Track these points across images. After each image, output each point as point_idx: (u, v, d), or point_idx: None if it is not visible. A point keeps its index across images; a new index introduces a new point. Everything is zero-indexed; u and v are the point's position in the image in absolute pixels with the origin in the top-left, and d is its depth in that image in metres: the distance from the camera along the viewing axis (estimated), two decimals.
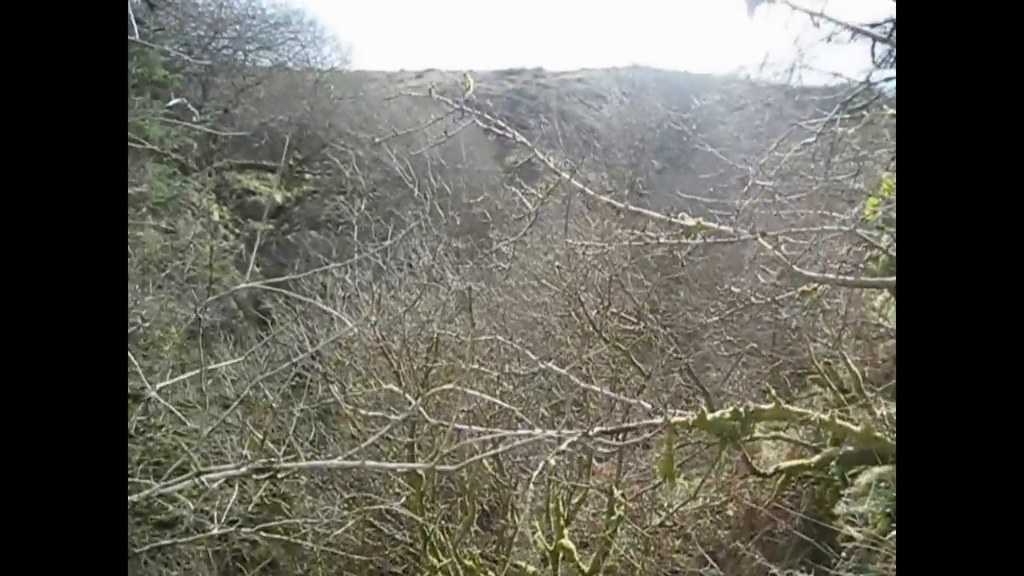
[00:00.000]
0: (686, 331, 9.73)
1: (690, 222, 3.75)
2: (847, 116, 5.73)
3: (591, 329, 7.38)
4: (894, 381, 10.41)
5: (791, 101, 7.95)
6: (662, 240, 3.82)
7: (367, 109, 22.68)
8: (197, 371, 4.48)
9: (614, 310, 7.95)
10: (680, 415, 3.96)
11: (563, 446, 3.06)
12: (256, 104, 22.12)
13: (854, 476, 8.12)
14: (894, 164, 7.08)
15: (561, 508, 7.14)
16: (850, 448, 8.57)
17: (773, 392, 10.47)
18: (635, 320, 8.00)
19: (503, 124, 3.78)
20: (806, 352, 9.35)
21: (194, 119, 9.41)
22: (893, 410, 9.76)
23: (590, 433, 3.15)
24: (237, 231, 21.01)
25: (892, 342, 9.57)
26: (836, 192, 6.12)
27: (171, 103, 9.15)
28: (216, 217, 20.39)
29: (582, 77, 29.95)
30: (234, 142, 20.80)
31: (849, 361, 9.79)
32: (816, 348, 9.97)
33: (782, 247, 3.98)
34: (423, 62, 34.43)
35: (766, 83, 8.05)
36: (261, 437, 4.03)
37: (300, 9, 24.24)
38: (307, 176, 22.27)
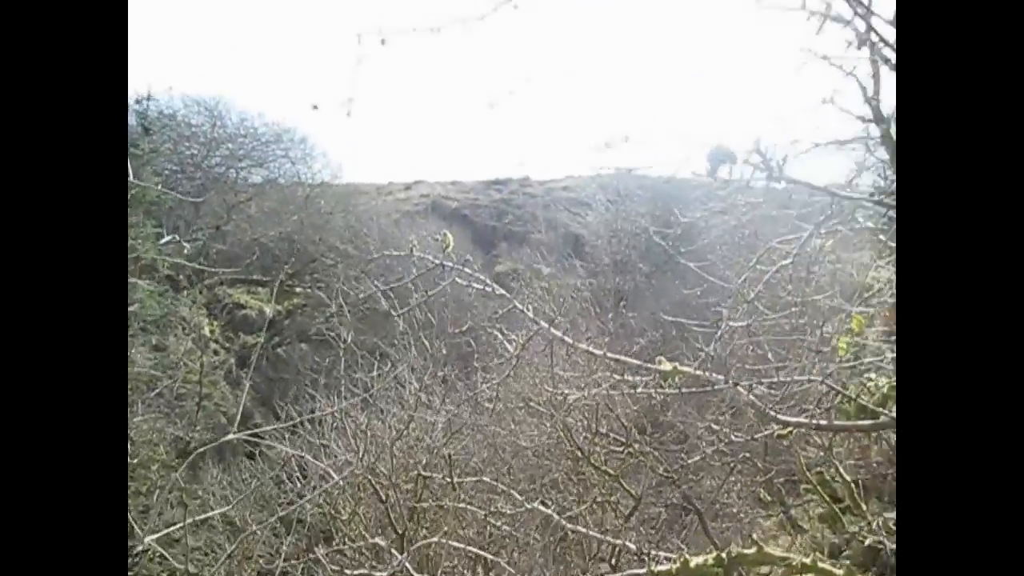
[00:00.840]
0: (677, 440, 9.71)
1: (666, 367, 3.84)
2: (823, 232, 5.90)
3: (580, 455, 7.39)
4: (890, 484, 10.38)
5: (776, 203, 8.18)
6: (639, 390, 3.91)
7: (356, 223, 23.05)
8: (185, 523, 4.49)
9: (603, 431, 7.97)
10: (666, 557, 3.97)
11: None
12: (247, 220, 22.45)
13: None
14: (870, 274, 7.28)
15: None
16: (847, 560, 8.48)
17: (768, 499, 10.45)
18: (623, 441, 8.01)
19: (483, 278, 3.91)
20: (797, 462, 9.34)
21: (185, 252, 9.57)
22: (888, 515, 9.70)
23: None
24: (227, 345, 21.02)
25: (885, 445, 9.57)
26: (812, 317, 6.26)
27: (163, 241, 9.33)
28: (207, 332, 20.40)
29: (568, 185, 30.58)
30: (226, 257, 20.99)
31: (841, 469, 9.76)
32: (808, 457, 9.95)
33: (758, 387, 4.08)
34: (412, 174, 35.41)
35: (746, 199, 8.30)
36: None
37: (291, 127, 24.79)
38: (297, 290, 22.42)
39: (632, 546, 4.02)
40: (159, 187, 13.40)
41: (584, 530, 5.43)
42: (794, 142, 4.21)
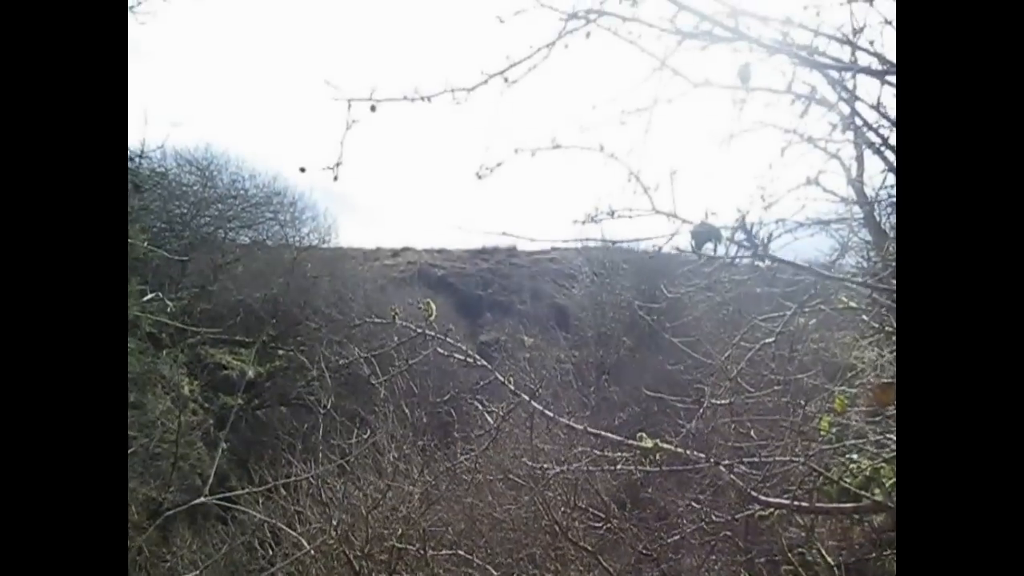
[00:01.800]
0: (658, 517, 9.58)
1: (647, 443, 3.80)
2: (806, 311, 5.93)
3: (558, 529, 7.27)
4: (872, 567, 10.25)
5: (760, 280, 8.23)
6: (619, 466, 3.86)
7: (343, 288, 22.99)
8: None
9: (582, 506, 7.85)
10: None
11: None
12: (233, 280, 22.35)
13: None
14: (853, 354, 7.30)
15: None
16: None
17: None
18: (603, 517, 7.89)
19: (464, 348, 3.89)
20: (779, 542, 9.20)
21: (168, 310, 9.52)
22: None
23: None
24: (207, 405, 20.72)
25: (868, 528, 9.47)
26: (795, 395, 6.25)
27: (146, 298, 9.30)
28: (186, 391, 20.12)
29: (554, 257, 30.80)
30: (210, 317, 20.85)
31: (823, 551, 9.63)
32: (789, 537, 9.81)
33: (740, 466, 4.04)
34: (400, 240, 35.60)
35: (731, 276, 8.36)
36: None
37: (283, 188, 24.75)
38: (280, 352, 22.24)
39: None
40: (146, 244, 13.38)
41: None
42: (779, 221, 4.26)
